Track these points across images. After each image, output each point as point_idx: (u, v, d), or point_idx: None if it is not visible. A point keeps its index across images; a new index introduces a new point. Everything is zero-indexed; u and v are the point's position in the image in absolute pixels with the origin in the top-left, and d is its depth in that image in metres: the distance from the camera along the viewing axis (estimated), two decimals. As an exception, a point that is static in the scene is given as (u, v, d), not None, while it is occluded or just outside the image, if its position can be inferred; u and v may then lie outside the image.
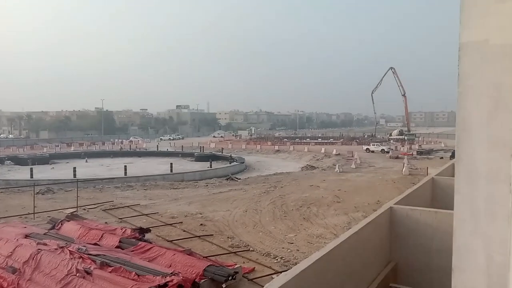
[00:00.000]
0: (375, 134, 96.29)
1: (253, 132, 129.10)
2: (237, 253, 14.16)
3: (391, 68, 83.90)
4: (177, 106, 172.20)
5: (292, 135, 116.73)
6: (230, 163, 48.21)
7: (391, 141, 78.52)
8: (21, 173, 42.03)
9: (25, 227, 15.94)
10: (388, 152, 54.67)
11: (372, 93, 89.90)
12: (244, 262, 12.99)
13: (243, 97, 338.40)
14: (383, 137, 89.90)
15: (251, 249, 14.56)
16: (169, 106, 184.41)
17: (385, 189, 27.22)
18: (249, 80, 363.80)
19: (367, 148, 60.30)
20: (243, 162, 49.53)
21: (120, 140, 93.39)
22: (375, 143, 65.66)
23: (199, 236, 16.20)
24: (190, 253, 12.91)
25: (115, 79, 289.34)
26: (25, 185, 30.07)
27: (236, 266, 12.02)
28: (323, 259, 5.12)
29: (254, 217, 19.50)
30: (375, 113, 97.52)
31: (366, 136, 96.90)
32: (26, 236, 14.10)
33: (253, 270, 12.46)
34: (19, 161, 53.06)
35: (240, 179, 36.55)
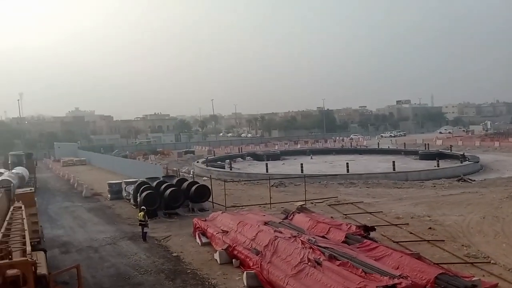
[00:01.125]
0: None
1: (489, 126, 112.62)
2: (474, 264, 12.63)
3: None
4: (397, 101, 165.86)
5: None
6: (461, 162, 43.33)
7: None
8: (259, 167, 48.32)
9: (264, 215, 18.19)
10: None
11: None
12: (483, 276, 11.48)
13: (474, 87, 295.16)
14: None
15: (492, 261, 12.75)
16: (388, 102, 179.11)
17: None
18: (481, 67, 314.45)
19: None
20: (478, 162, 43.72)
21: (341, 138, 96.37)
22: None
23: (428, 241, 15.19)
24: (418, 257, 12.23)
25: (334, 78, 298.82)
26: (262, 178, 34.46)
27: (474, 278, 10.73)
28: None
29: (495, 225, 16.96)
30: None
31: None
32: (265, 223, 16.03)
33: (496, 286, 10.89)
34: (256, 157, 61.42)
35: (474, 180, 32.53)
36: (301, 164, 42.23)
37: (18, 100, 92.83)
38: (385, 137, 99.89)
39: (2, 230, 9.23)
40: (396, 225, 17.56)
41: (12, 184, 21.89)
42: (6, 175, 28.43)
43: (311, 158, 58.35)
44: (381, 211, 20.43)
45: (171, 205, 22.84)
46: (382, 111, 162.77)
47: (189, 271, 13.88)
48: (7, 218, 10.70)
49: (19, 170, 33.15)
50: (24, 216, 10.88)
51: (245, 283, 12.50)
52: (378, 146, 71.53)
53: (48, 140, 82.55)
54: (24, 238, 8.60)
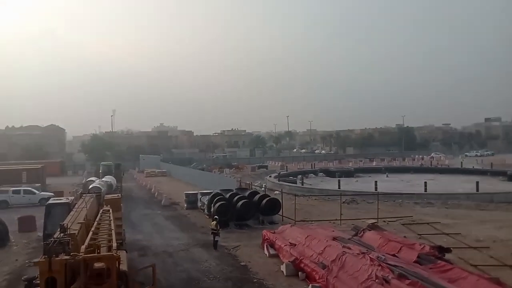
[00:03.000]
0: None
1: None
2: None
3: None
4: (485, 119, 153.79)
5: None
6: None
7: None
8: (331, 184, 47.66)
9: (333, 231, 18.13)
10: None
11: None
12: None
13: None
14: None
15: None
16: (476, 119, 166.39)
17: None
18: None
19: None
20: None
21: (420, 156, 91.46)
22: None
23: (511, 266, 14.07)
24: (498, 282, 11.46)
25: (415, 93, 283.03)
26: (333, 194, 34.04)
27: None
28: None
29: None
30: None
31: None
32: (334, 239, 15.98)
33: None
34: (329, 173, 60.55)
35: None
36: (375, 181, 40.93)
37: (112, 116, 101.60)
38: (470, 156, 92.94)
39: (92, 228, 10.36)
40: (475, 248, 16.50)
41: (102, 191, 24.17)
42: (97, 182, 31.24)
43: (387, 177, 56.18)
44: (460, 233, 19.26)
45: (243, 216, 23.58)
46: (468, 129, 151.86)
47: (255, 280, 14.28)
48: (97, 219, 11.94)
49: (108, 178, 36.21)
50: (111, 218, 12.05)
51: (310, 296, 12.58)
52: (461, 166, 66.84)
53: (135, 152, 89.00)
54: (111, 237, 9.56)
